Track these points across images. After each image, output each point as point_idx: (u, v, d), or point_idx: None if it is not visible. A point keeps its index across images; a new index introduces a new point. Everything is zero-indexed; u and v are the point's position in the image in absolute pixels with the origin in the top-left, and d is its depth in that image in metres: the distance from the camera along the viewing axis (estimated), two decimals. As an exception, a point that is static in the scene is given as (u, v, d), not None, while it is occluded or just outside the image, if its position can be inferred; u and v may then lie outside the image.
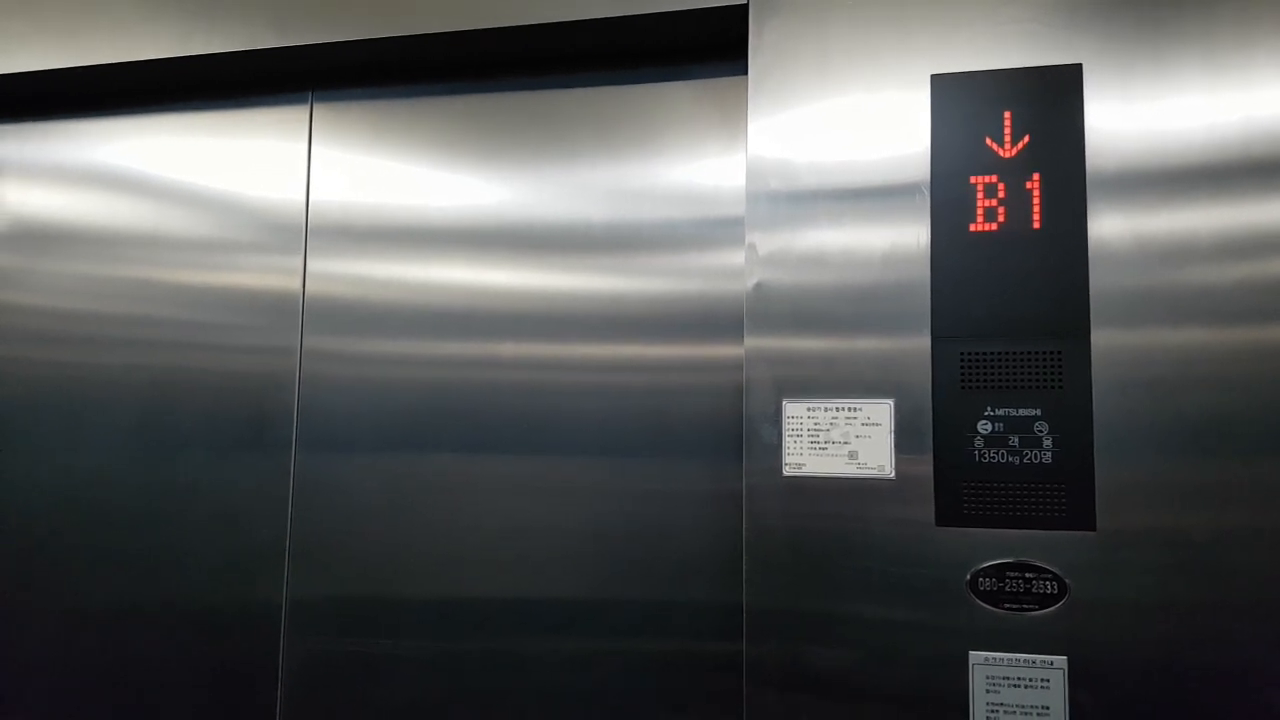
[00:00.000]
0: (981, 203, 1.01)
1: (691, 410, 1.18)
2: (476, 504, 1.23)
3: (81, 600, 1.35)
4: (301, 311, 1.32)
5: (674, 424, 1.18)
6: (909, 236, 1.03)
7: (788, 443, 1.03)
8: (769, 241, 1.06)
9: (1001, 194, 1.01)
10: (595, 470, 1.20)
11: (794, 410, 1.04)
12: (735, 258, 1.16)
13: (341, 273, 1.32)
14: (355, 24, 1.22)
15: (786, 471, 1.03)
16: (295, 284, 1.33)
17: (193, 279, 1.36)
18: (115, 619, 1.33)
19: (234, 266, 1.36)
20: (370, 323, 1.29)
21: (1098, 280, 0.97)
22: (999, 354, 0.99)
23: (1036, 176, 1.00)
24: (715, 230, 1.20)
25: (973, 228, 1.01)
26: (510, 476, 1.22)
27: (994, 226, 1.01)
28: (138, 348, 1.37)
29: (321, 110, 1.35)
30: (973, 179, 1.02)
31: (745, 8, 1.10)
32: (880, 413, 1.01)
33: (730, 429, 1.13)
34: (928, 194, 1.03)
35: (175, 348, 1.35)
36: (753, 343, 1.05)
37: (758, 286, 1.06)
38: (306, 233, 1.34)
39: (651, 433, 1.19)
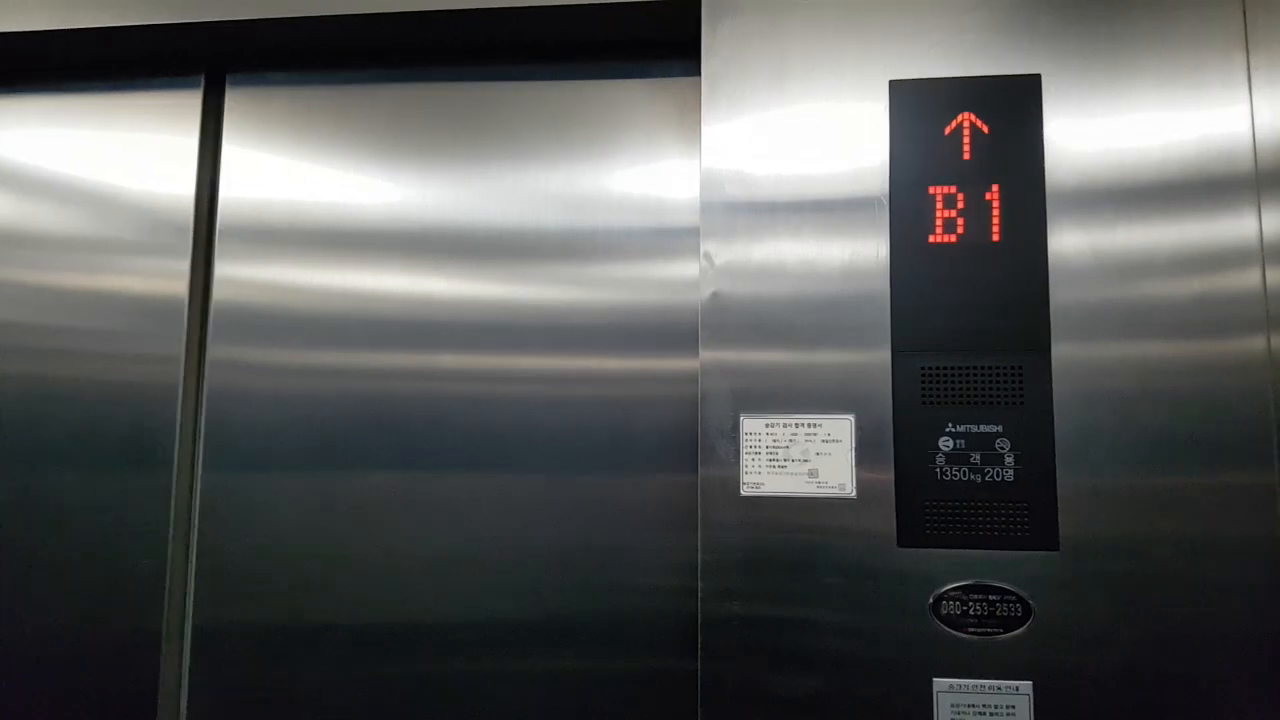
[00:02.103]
0: (941, 214, 0.99)
1: (647, 424, 1.12)
2: (414, 525, 1.13)
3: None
4: (207, 319, 1.20)
5: (629, 439, 1.12)
6: (868, 248, 0.99)
7: (745, 461, 0.98)
8: (725, 251, 1.01)
9: (961, 205, 0.99)
10: (543, 487, 1.12)
11: (752, 426, 0.98)
12: (694, 268, 1.10)
13: (255, 278, 1.20)
14: (273, 0, 1.11)
15: (745, 491, 0.97)
16: (199, 289, 1.21)
17: (83, 283, 1.22)
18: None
19: (129, 270, 1.22)
20: (288, 332, 1.18)
21: (1057, 294, 0.95)
22: (960, 369, 0.97)
23: (996, 188, 0.98)
24: (674, 239, 1.14)
25: (932, 239, 0.99)
26: (452, 495, 1.13)
27: (953, 238, 0.98)
28: (12, 355, 1.22)
29: (236, 98, 1.23)
30: (931, 189, 0.99)
31: (698, 4, 1.05)
32: (841, 429, 0.97)
33: (688, 444, 1.07)
34: (886, 204, 1.00)
35: (61, 357, 1.21)
36: (709, 355, 1.00)
37: (714, 297, 1.01)
38: (214, 234, 1.22)
39: (605, 448, 1.12)
